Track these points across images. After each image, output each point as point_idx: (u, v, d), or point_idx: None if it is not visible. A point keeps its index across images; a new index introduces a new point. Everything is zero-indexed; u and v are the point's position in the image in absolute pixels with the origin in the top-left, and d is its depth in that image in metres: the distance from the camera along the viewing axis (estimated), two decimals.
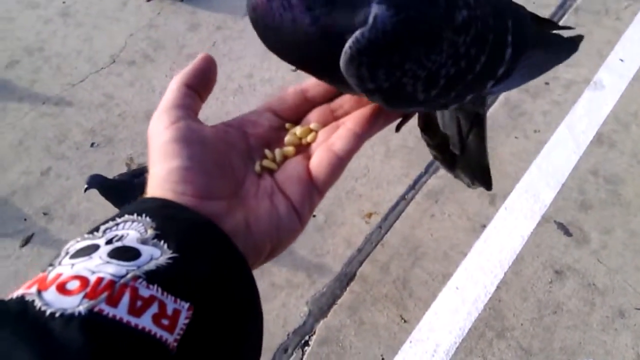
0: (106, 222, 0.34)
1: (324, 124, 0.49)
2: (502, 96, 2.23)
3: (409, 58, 0.42)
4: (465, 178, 0.75)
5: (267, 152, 0.46)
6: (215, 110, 2.24)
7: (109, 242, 0.32)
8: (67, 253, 0.32)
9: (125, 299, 0.28)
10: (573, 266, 1.74)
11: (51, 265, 0.30)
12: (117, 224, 0.34)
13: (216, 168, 0.41)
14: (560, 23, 2.45)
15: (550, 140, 2.08)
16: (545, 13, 2.51)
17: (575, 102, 2.19)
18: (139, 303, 0.29)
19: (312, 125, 0.48)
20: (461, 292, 1.70)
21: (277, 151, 0.46)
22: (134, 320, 0.28)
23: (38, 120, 2.26)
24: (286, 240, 0.43)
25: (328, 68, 0.44)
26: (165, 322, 0.29)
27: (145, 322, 0.28)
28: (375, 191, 1.96)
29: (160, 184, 0.38)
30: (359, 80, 0.43)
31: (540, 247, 1.79)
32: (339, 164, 0.45)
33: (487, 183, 0.75)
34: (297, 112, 0.50)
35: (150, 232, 0.33)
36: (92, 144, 2.15)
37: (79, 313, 0.27)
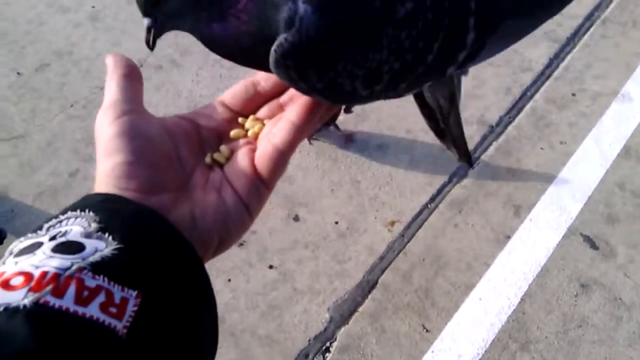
0: (49, 220, 0.34)
1: (273, 116, 0.49)
2: (528, 107, 2.21)
3: (340, 59, 0.41)
4: (454, 151, 0.75)
5: (220, 146, 0.46)
6: None
7: (52, 238, 0.32)
8: (10, 253, 0.32)
9: (71, 290, 0.29)
10: (599, 280, 1.72)
11: None
12: (61, 221, 0.34)
13: (162, 161, 0.41)
14: (588, 34, 2.44)
15: (577, 152, 2.06)
16: (572, 24, 2.50)
17: (602, 114, 2.17)
18: (86, 293, 0.29)
19: (260, 117, 0.49)
20: (484, 304, 1.68)
21: (228, 144, 0.46)
22: (81, 310, 0.28)
23: (66, 123, 2.30)
24: (235, 233, 0.43)
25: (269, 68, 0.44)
26: (113, 310, 0.30)
27: (92, 311, 0.29)
28: (399, 199, 1.96)
29: (104, 180, 0.38)
30: (291, 81, 0.43)
31: (566, 259, 1.76)
32: (280, 156, 0.45)
33: (467, 157, 0.75)
34: (249, 106, 0.50)
35: (94, 225, 0.33)
36: None
37: (24, 306, 0.27)
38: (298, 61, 0.41)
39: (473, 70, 2.19)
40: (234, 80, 2.32)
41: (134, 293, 0.31)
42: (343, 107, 0.57)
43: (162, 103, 2.34)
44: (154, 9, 0.46)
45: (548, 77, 2.34)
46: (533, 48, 2.45)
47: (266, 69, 0.45)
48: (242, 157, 0.45)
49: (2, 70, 2.57)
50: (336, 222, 1.91)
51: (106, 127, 0.40)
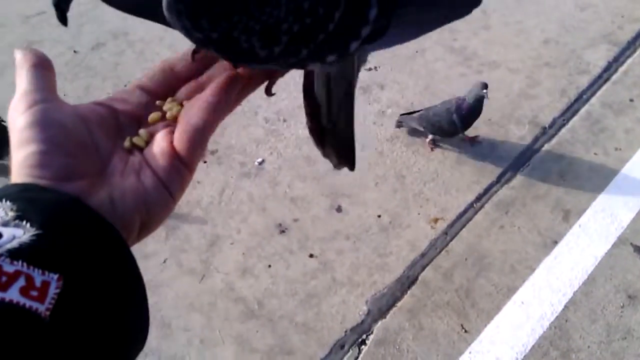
0: None
1: (192, 97, 0.48)
2: (584, 110, 2.15)
3: (236, 10, 0.41)
4: (333, 157, 0.70)
5: (139, 130, 0.45)
6: (288, 104, 2.27)
7: None
8: None
9: None
10: None
11: None
12: None
13: (77, 148, 0.40)
14: None
15: (632, 159, 1.99)
16: (634, 28, 2.41)
17: None
18: (4, 278, 0.29)
19: (178, 99, 0.48)
20: (526, 308, 1.65)
21: (147, 128, 0.46)
22: (0, 295, 0.29)
23: None
24: (157, 214, 0.43)
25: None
26: (34, 293, 0.30)
27: (12, 295, 0.29)
28: (444, 197, 1.93)
29: (18, 170, 0.38)
30: (185, 30, 0.41)
31: (614, 269, 1.71)
32: (198, 136, 0.44)
33: (351, 162, 0.69)
34: (167, 89, 0.49)
35: (11, 214, 0.33)
36: None
37: None
38: (190, 6, 0.40)
39: (527, 69, 2.14)
40: None
41: (56, 276, 0.31)
42: (265, 86, 0.54)
43: None
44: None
45: (606, 81, 2.27)
46: (591, 50, 2.38)
47: (163, 21, 0.44)
48: (160, 139, 0.44)
49: (59, 48, 2.64)
50: (379, 216, 1.89)
51: (18, 118, 0.40)
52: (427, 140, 2.07)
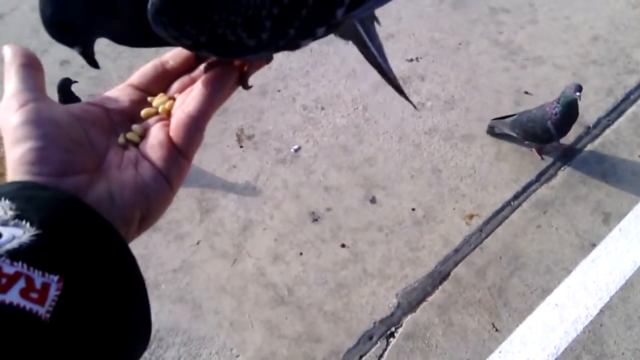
0: None
1: (184, 90, 0.48)
2: (630, 111, 2.09)
3: (213, 8, 0.41)
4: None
5: (132, 126, 0.45)
6: (326, 92, 2.26)
7: None
8: None
9: None
10: None
11: None
12: None
13: (73, 145, 0.40)
14: None
15: None
16: None
17: None
18: (4, 280, 0.29)
19: (171, 94, 0.48)
20: (560, 310, 1.62)
21: (140, 124, 0.45)
22: (0, 297, 0.28)
23: None
24: (157, 206, 0.42)
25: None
26: (34, 295, 0.29)
27: (12, 297, 0.29)
28: (480, 193, 1.90)
29: (15, 167, 0.37)
30: (174, 39, 0.41)
31: None
32: (195, 124, 0.44)
33: (409, 101, 0.70)
34: (159, 85, 0.49)
35: (10, 213, 0.32)
36: None
37: None
38: (172, 16, 0.40)
39: (574, 66, 2.09)
40: None
41: (56, 278, 0.31)
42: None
43: None
44: (70, 38, 0.46)
45: None
46: None
47: (160, 42, 0.45)
48: (156, 132, 0.45)
49: None
50: (413, 209, 1.88)
51: (11, 116, 0.39)
52: (533, 149, 1.98)
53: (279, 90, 2.29)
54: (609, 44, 2.38)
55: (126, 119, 0.47)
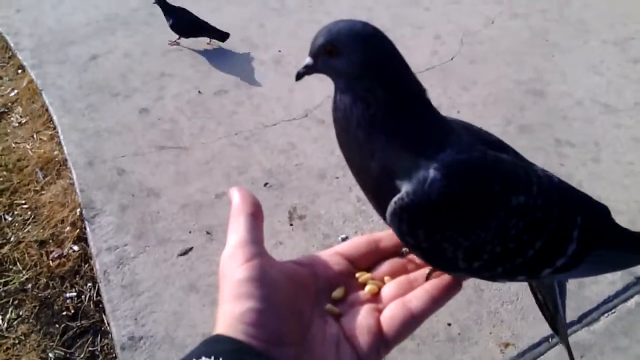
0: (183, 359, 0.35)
1: (396, 276, 0.49)
2: None
3: (450, 227, 0.44)
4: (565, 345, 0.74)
5: (335, 296, 0.45)
6: None
7: None
8: None
9: None
10: None
11: None
12: None
13: (286, 311, 0.41)
14: None
15: None
16: None
17: None
18: None
19: (385, 278, 0.48)
20: None
21: (347, 298, 0.46)
22: None
23: (227, 148, 2.48)
24: None
25: (380, 204, 0.45)
26: None
27: None
28: (520, 322, 1.88)
29: (232, 323, 0.39)
30: (400, 233, 0.44)
31: None
32: (413, 322, 0.44)
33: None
34: (368, 261, 0.50)
35: None
36: (265, 184, 2.31)
37: None
38: (413, 217, 0.43)
39: (631, 213, 2.07)
40: None
41: None
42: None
43: (315, 154, 2.46)
44: (322, 56, 0.50)
45: None
46: None
47: (376, 203, 0.47)
48: (366, 314, 0.45)
49: (186, 86, 2.84)
50: (449, 324, 1.86)
51: (236, 269, 0.41)
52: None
53: (337, 177, 2.35)
54: None
55: (330, 288, 0.48)
